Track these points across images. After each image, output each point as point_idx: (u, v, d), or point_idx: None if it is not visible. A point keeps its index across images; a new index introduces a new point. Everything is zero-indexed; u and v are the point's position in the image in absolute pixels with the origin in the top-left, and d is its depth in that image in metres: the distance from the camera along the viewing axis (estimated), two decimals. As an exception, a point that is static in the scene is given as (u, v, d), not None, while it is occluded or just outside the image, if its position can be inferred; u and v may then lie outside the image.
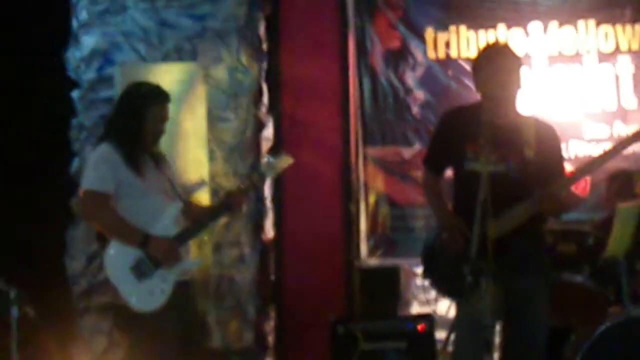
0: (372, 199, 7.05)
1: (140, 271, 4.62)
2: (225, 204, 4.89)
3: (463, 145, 4.58)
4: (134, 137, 4.76)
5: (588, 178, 6.51)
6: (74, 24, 6.99)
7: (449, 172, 4.82)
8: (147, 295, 4.63)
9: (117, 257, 4.66)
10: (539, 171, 4.54)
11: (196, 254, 5.66)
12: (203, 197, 6.42)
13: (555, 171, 4.63)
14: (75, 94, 6.94)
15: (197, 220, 4.87)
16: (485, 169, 4.18)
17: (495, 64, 4.58)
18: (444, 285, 4.72)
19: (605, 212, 6.21)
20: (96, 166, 4.73)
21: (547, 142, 4.64)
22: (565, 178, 4.69)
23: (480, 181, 4.17)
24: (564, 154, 6.62)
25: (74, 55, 6.97)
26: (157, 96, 4.84)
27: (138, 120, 4.77)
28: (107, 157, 4.71)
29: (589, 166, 4.73)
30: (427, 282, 4.92)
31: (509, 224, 4.45)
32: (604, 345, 5.19)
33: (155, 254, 4.62)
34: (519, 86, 4.63)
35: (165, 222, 4.73)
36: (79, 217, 6.60)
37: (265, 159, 5.09)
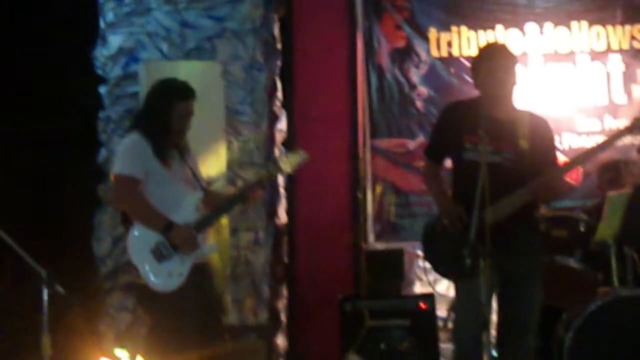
0: (378, 187, 7.05)
1: (160, 254, 4.64)
2: (242, 193, 4.89)
3: (462, 137, 4.60)
4: (161, 129, 4.77)
5: (580, 168, 6.50)
6: (102, 24, 7.00)
7: (448, 163, 4.83)
8: (165, 277, 4.64)
9: (140, 240, 4.68)
10: (533, 161, 4.56)
11: (214, 238, 5.66)
12: (221, 186, 6.41)
13: (548, 161, 4.64)
14: (102, 89, 6.96)
15: (216, 208, 4.87)
16: (483, 159, 4.18)
17: (493, 63, 4.59)
18: (444, 268, 4.72)
19: (596, 199, 6.21)
20: (126, 153, 4.75)
21: (541, 135, 4.66)
22: (559, 168, 4.70)
23: (478, 170, 4.18)
24: (557, 145, 6.68)
25: (101, 54, 6.98)
26: (184, 93, 4.84)
27: (165, 114, 4.77)
28: (137, 145, 4.72)
29: (581, 157, 4.74)
30: (428, 264, 4.91)
31: (505, 210, 4.46)
32: (593, 323, 5.20)
33: (175, 241, 4.63)
34: (514, 83, 4.65)
35: (187, 209, 4.75)
36: (105, 202, 6.63)
37: (282, 154, 5.08)
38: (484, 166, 4.14)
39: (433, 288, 6.08)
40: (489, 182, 4.14)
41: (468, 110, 4.64)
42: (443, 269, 4.76)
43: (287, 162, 4.97)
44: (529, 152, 4.56)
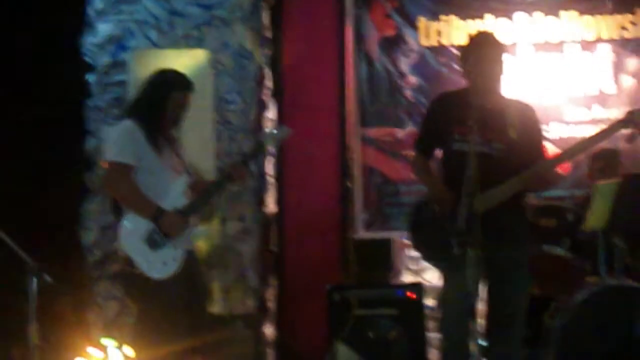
0: (366, 176, 7.04)
1: (154, 241, 4.63)
2: (228, 175, 4.89)
3: (451, 127, 4.59)
4: (156, 117, 4.76)
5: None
6: (90, 12, 6.96)
7: (438, 153, 4.82)
8: (160, 264, 4.63)
9: (132, 230, 4.66)
10: (521, 150, 4.55)
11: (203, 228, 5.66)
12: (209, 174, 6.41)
13: (535, 150, 4.65)
14: (90, 77, 6.92)
15: (203, 192, 4.86)
16: (472, 149, 4.18)
17: (482, 53, 4.58)
18: (431, 255, 4.71)
19: (586, 189, 6.22)
20: (119, 139, 4.73)
21: (530, 124, 4.67)
22: (551, 159, 4.70)
23: (467, 161, 4.17)
24: (546, 135, 6.69)
25: (90, 42, 6.95)
26: (181, 84, 4.84)
27: (162, 102, 4.77)
28: (130, 131, 4.71)
29: (575, 149, 4.73)
30: (416, 253, 4.91)
31: (496, 199, 4.46)
32: (581, 312, 5.21)
33: (165, 228, 4.62)
34: (502, 73, 4.64)
35: (175, 195, 4.74)
36: (94, 191, 6.61)
37: (266, 130, 5.08)
38: (473, 156, 4.14)
39: (421, 278, 6.09)
40: (478, 172, 4.14)
41: (457, 101, 4.64)
42: (431, 256, 4.75)
43: (270, 138, 4.98)
44: (517, 142, 4.57)
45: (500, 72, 4.63)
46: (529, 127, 4.64)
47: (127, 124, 4.73)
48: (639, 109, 4.60)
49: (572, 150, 4.73)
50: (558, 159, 4.74)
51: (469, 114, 4.30)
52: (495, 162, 4.48)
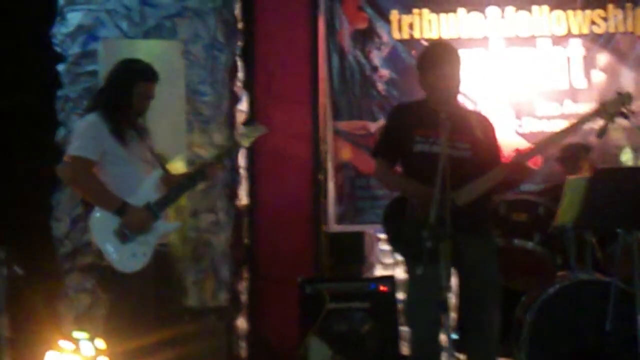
0: (339, 170, 7.04)
1: (123, 234, 4.63)
2: (201, 171, 4.89)
3: (412, 131, 4.60)
4: (120, 109, 4.75)
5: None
6: (60, 1, 6.90)
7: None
8: (129, 258, 4.64)
9: (102, 221, 4.66)
10: (484, 152, 4.60)
11: (175, 219, 5.64)
12: (180, 166, 6.39)
13: (495, 157, 4.68)
14: (61, 67, 6.87)
15: (175, 187, 4.86)
16: (444, 149, 4.18)
17: (441, 70, 4.59)
18: (409, 250, 4.69)
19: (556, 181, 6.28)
20: (83, 134, 4.73)
21: (488, 132, 4.72)
22: (528, 150, 4.74)
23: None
24: (519, 130, 6.76)
25: (60, 31, 6.89)
26: (146, 74, 4.84)
27: (125, 94, 4.76)
28: (94, 126, 4.71)
29: (548, 141, 4.77)
30: (389, 247, 4.91)
31: (477, 191, 4.49)
32: (552, 305, 5.26)
33: (128, 223, 4.61)
34: (459, 84, 4.66)
35: (147, 188, 4.74)
36: (63, 182, 6.57)
37: (240, 128, 5.08)
38: (444, 155, 4.14)
39: (394, 271, 6.10)
40: (442, 173, 4.16)
41: (416, 109, 4.70)
42: (407, 252, 4.73)
43: (245, 136, 4.99)
44: (482, 141, 4.61)
45: (457, 85, 4.67)
46: (489, 135, 4.70)
47: (90, 118, 4.73)
48: (610, 99, 4.65)
49: (547, 141, 4.77)
50: (534, 151, 4.78)
51: (430, 119, 4.35)
52: (459, 163, 4.50)
